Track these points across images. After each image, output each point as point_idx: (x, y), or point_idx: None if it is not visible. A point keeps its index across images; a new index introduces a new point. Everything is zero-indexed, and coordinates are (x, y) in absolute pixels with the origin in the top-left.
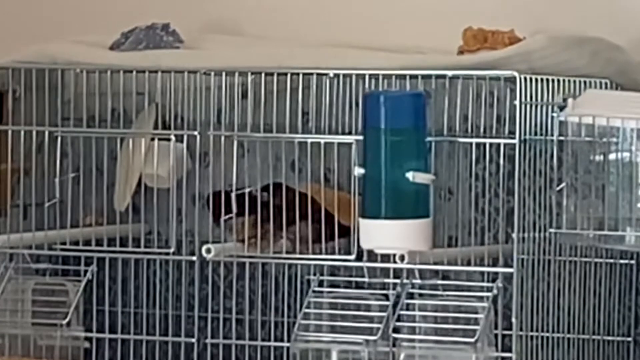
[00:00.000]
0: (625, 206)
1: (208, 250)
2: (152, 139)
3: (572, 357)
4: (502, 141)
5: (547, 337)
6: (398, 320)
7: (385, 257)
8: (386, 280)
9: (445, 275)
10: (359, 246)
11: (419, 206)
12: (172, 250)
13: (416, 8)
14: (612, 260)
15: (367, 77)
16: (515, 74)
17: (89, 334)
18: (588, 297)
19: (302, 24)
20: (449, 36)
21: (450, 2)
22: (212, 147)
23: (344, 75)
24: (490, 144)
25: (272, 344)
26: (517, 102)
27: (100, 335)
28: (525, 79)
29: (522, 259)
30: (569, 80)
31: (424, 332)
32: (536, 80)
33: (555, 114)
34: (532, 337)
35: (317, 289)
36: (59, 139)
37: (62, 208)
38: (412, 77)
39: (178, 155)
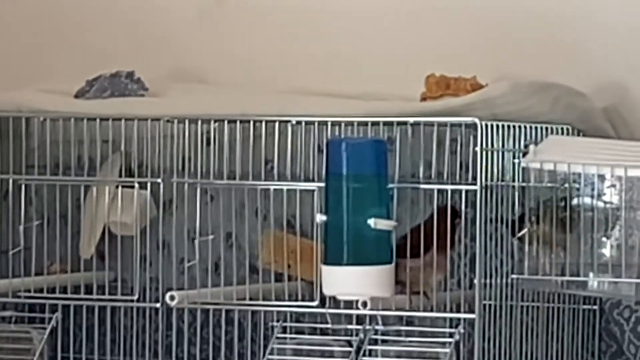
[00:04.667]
0: (587, 251)
1: (172, 298)
2: (117, 187)
3: None
4: (463, 187)
5: None
6: None
7: (348, 303)
8: (349, 327)
9: (408, 321)
10: (322, 292)
11: (381, 252)
12: (136, 297)
13: (379, 55)
14: (575, 306)
15: (329, 124)
16: (476, 120)
17: None
18: (551, 342)
19: (265, 71)
20: (411, 83)
21: (413, 49)
22: (175, 194)
23: (307, 123)
24: (453, 190)
25: None
26: (478, 149)
27: None
28: (486, 125)
29: (485, 305)
30: (531, 127)
31: None
32: (497, 126)
33: (517, 160)
34: None
35: (280, 335)
36: (23, 186)
37: (26, 256)
38: (374, 123)
39: (142, 202)
